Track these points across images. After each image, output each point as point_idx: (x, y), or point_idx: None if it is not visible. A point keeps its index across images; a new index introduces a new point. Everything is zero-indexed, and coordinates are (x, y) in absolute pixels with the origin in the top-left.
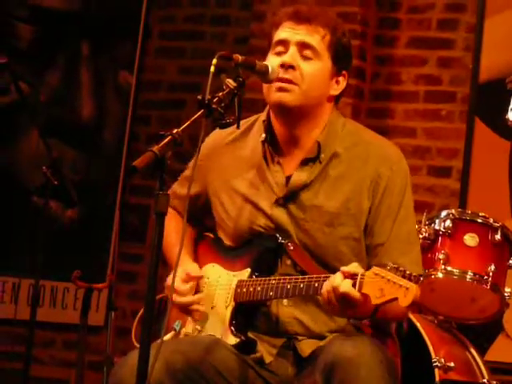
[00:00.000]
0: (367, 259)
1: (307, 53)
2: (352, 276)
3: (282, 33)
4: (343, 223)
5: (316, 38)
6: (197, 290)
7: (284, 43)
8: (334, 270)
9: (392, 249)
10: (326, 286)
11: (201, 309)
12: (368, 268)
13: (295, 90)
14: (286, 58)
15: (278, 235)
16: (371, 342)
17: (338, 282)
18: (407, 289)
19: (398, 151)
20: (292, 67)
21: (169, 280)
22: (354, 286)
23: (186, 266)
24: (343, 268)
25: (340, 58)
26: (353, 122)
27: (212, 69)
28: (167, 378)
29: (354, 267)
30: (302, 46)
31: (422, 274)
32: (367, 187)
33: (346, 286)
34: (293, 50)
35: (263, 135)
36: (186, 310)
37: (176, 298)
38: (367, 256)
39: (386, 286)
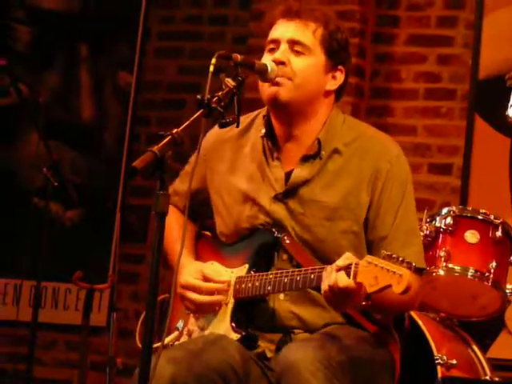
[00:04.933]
0: (371, 254)
1: (298, 48)
2: (346, 266)
3: (274, 31)
4: (342, 217)
5: (307, 33)
6: None
7: (276, 41)
8: None
9: (394, 242)
10: (324, 286)
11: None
12: None
13: (288, 84)
14: (276, 55)
15: (274, 230)
16: (327, 342)
17: (334, 278)
18: (401, 275)
19: (397, 146)
20: (283, 63)
21: (181, 279)
22: (348, 275)
23: (198, 266)
24: (337, 263)
25: (334, 52)
26: (352, 118)
27: (211, 68)
28: (187, 378)
29: (347, 258)
30: (293, 42)
31: (424, 267)
32: (366, 181)
33: (343, 280)
34: (284, 46)
35: (263, 130)
36: (203, 308)
37: (198, 297)
38: (371, 250)
39: (379, 274)
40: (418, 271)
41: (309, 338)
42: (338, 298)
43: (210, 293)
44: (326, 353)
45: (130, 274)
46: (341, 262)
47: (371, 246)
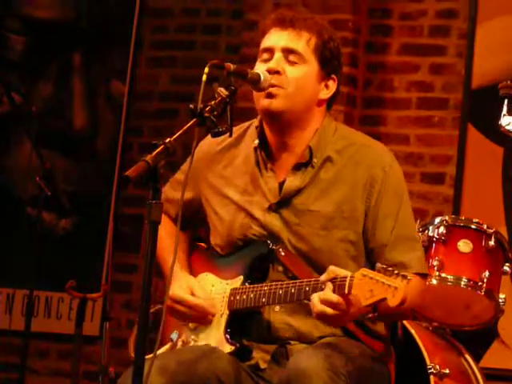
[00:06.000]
0: (373, 262)
1: (292, 57)
2: (341, 279)
3: (268, 40)
4: (337, 226)
5: (301, 42)
6: None
7: (269, 50)
8: None
9: (396, 248)
10: (317, 306)
11: (212, 313)
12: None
13: (282, 94)
14: (271, 64)
15: (268, 241)
16: (334, 351)
17: (327, 294)
18: (396, 288)
19: (390, 153)
20: (277, 72)
21: (170, 292)
22: (343, 288)
23: (189, 281)
24: (320, 279)
25: (327, 61)
26: (344, 126)
27: (204, 77)
28: None
29: (330, 272)
30: (287, 51)
31: (427, 272)
32: (361, 190)
33: (329, 295)
34: (278, 55)
35: (256, 141)
36: (198, 318)
37: (185, 311)
38: (373, 259)
39: (374, 287)
40: (423, 276)
41: (316, 347)
42: (328, 314)
43: (197, 307)
44: (336, 362)
45: (123, 284)
46: (323, 277)
47: (372, 254)
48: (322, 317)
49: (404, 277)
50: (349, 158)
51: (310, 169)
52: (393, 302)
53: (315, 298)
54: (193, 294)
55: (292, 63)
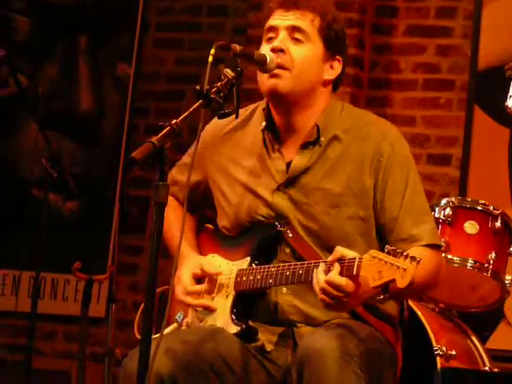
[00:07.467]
0: (384, 237)
1: (297, 36)
2: (349, 260)
3: (272, 20)
4: (347, 203)
5: (305, 21)
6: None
7: (274, 29)
8: None
9: (406, 221)
10: (319, 283)
11: (211, 305)
12: (383, 246)
13: (286, 75)
14: (275, 43)
15: (276, 223)
16: (346, 333)
17: (334, 276)
18: (405, 270)
19: (396, 129)
20: (282, 51)
21: (178, 271)
22: (352, 269)
23: (199, 260)
24: (335, 255)
25: (331, 41)
26: (351, 106)
27: (210, 59)
28: (175, 368)
29: (336, 251)
30: (292, 29)
31: (440, 244)
32: (368, 165)
33: (337, 278)
34: (282, 34)
35: (263, 123)
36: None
37: (186, 299)
38: (384, 234)
39: (383, 268)
40: (436, 247)
41: (328, 328)
42: (333, 297)
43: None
44: (349, 343)
45: (129, 265)
46: (330, 257)
47: (383, 229)
48: (326, 294)
49: (413, 258)
50: (355, 135)
51: (317, 147)
52: (401, 283)
53: (321, 275)
54: (203, 272)
55: (296, 41)
